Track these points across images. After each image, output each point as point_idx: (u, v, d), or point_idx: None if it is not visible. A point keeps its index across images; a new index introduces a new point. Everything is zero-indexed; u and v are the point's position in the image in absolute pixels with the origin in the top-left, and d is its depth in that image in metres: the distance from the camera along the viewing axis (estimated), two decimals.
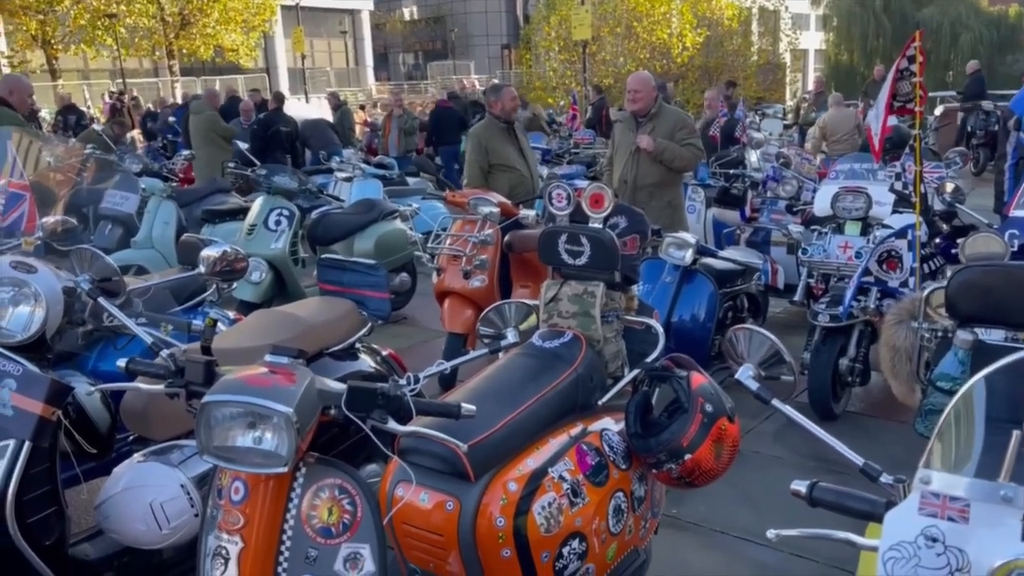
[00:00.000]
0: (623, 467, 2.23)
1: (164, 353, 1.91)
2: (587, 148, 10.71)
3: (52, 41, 23.78)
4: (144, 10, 24.13)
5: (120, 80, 23.33)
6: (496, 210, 4.51)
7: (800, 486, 1.44)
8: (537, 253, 2.58)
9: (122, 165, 7.49)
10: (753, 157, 7.48)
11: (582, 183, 8.00)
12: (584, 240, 2.46)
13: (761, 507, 3.36)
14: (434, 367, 1.79)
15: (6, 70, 24.89)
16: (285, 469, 1.49)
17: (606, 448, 2.21)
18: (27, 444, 2.05)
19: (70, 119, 13.64)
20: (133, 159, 7.46)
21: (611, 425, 2.29)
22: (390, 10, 41.97)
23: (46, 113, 17.65)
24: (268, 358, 1.59)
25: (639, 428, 2.23)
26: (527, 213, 4.52)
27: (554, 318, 2.49)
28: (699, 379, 2.23)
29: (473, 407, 1.67)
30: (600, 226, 2.51)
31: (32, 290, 2.15)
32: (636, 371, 2.37)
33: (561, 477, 2.06)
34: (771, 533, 1.43)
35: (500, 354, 2.42)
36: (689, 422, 2.15)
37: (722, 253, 4.45)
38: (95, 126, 11.17)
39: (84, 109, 16.58)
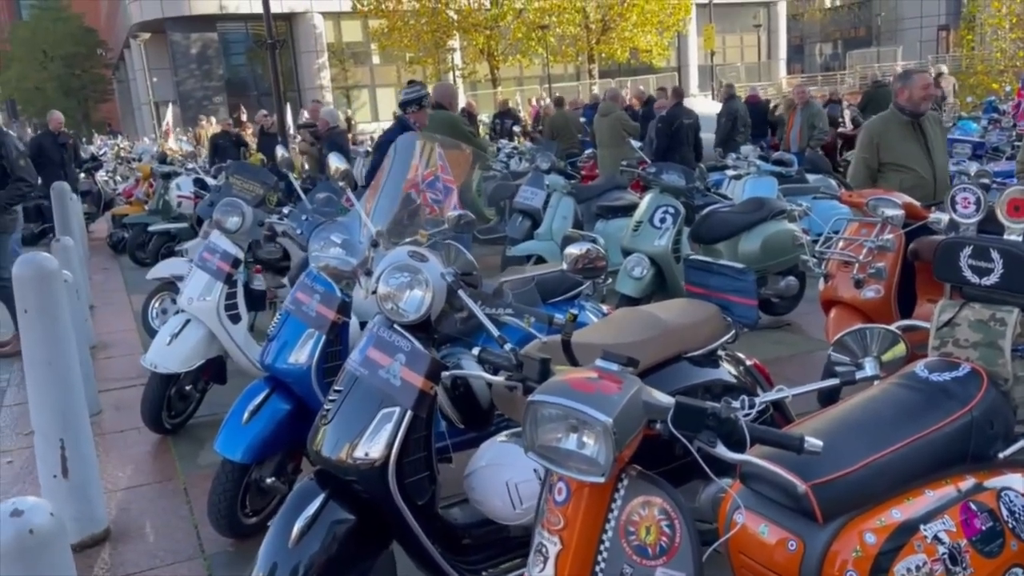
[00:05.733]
0: None
1: (507, 347, 2.00)
2: None
3: (495, 53, 27.12)
4: (571, 19, 26.29)
5: (547, 85, 25.70)
6: (900, 213, 3.99)
7: None
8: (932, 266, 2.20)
9: (533, 163, 8.21)
10: None
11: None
12: (996, 255, 2.04)
13: None
14: (772, 393, 1.60)
15: (459, 81, 29.08)
16: (602, 479, 1.45)
17: (1004, 512, 1.82)
18: (409, 413, 2.31)
19: (506, 123, 15.34)
20: (544, 157, 8.09)
21: (1015, 484, 1.88)
22: None
23: (485, 117, 20.13)
24: (598, 363, 1.57)
25: None
26: (939, 217, 3.91)
27: (948, 346, 2.10)
28: None
29: (819, 443, 1.46)
30: (1020, 238, 2.05)
31: (424, 276, 2.40)
32: None
33: (937, 538, 1.73)
34: None
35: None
36: None
37: None
38: (515, 128, 12.40)
39: (517, 113, 18.51)
